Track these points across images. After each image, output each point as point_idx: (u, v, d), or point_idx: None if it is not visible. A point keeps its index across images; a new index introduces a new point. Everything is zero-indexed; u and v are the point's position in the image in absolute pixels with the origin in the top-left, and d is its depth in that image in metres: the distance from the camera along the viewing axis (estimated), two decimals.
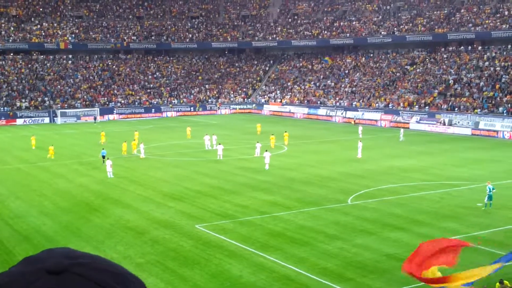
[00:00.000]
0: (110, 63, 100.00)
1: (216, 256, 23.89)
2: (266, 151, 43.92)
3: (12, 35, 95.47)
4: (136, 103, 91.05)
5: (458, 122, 66.80)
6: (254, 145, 49.74)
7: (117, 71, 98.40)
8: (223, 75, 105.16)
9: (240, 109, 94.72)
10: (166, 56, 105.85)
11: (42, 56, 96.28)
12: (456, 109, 69.96)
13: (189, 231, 27.35)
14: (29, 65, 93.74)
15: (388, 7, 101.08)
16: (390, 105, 78.33)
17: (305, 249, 24.61)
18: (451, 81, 76.89)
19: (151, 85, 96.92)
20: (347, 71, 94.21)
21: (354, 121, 76.83)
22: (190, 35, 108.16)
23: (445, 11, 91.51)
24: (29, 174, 42.75)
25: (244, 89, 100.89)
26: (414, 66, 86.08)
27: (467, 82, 75.15)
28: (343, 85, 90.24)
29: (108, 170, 40.15)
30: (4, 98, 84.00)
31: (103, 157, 44.99)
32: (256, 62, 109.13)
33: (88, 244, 25.55)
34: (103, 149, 47.33)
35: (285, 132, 58.04)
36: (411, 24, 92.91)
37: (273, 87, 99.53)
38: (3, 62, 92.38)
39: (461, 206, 31.57)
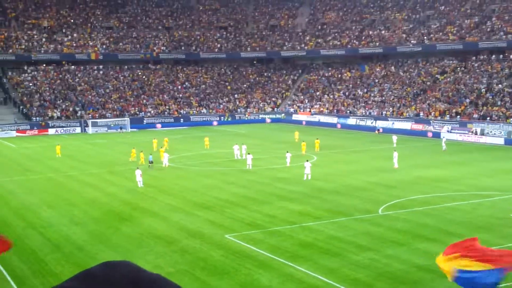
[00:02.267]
0: (140, 73, 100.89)
1: (246, 266, 23.77)
2: (307, 161, 43.66)
3: (44, 46, 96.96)
4: (166, 112, 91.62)
5: (491, 132, 65.79)
6: (283, 155, 49.57)
7: (147, 81, 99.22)
8: (252, 84, 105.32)
9: (269, 118, 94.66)
10: (195, 66, 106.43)
11: (73, 67, 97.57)
12: (488, 118, 68.95)
13: (219, 241, 27.28)
14: (61, 76, 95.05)
15: (417, 16, 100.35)
16: (420, 114, 77.56)
17: (335, 260, 24.36)
18: (482, 90, 75.88)
19: (180, 95, 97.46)
20: (376, 80, 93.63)
21: (378, 130, 76.48)
22: (219, 45, 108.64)
23: (476, 20, 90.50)
24: (60, 183, 43.18)
25: (273, 99, 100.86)
26: (445, 75, 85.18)
27: (499, 91, 74.08)
28: (372, 95, 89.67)
29: (138, 179, 40.39)
30: (36, 108, 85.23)
31: (150, 162, 47.86)
32: (284, 72, 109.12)
33: (118, 253, 25.63)
34: (150, 154, 49.62)
35: (317, 139, 58.85)
36: (441, 33, 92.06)
37: (302, 97, 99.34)
38: (35, 73, 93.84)
39: (493, 216, 30.99)
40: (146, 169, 45.33)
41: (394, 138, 62.83)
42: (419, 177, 42.59)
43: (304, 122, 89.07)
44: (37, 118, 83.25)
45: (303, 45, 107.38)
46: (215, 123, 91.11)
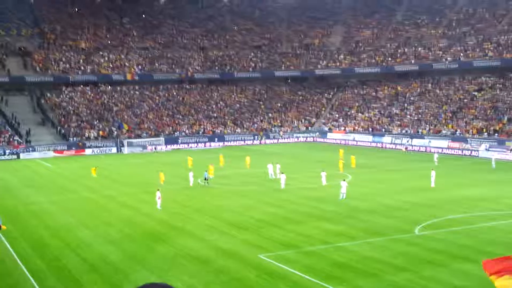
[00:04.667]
0: (175, 93, 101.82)
1: (280, 286, 23.54)
2: (344, 180, 43.35)
3: (82, 67, 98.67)
4: (200, 132, 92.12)
5: None
6: (318, 174, 49.26)
7: (182, 101, 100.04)
8: (286, 103, 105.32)
9: (303, 137, 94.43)
10: (230, 85, 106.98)
11: (109, 87, 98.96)
12: None
13: (253, 261, 27.11)
14: (97, 96, 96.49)
15: (453, 33, 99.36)
16: (457, 132, 76.47)
17: (371, 281, 23.96)
18: None
19: (215, 114, 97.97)
20: (412, 98, 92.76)
21: (406, 148, 75.90)
22: (253, 64, 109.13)
23: None
24: (96, 203, 43.59)
25: (307, 117, 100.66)
26: (482, 92, 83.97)
27: None
28: (408, 112, 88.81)
29: (158, 201, 40.04)
30: (73, 129, 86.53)
31: (205, 179, 49.82)
32: (319, 90, 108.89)
33: (153, 273, 25.65)
34: (206, 171, 50.76)
35: (352, 155, 59.82)
36: (478, 49, 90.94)
37: (336, 115, 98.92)
38: (73, 94, 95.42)
39: None
40: (164, 191, 44.60)
41: (435, 156, 62.12)
42: (457, 196, 41.84)
43: (340, 141, 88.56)
44: (74, 138, 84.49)
45: (337, 63, 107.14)
46: (249, 142, 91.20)
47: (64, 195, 47.59)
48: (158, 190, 41.08)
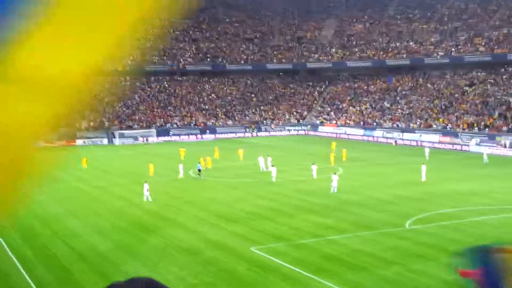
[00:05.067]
0: (166, 85, 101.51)
1: (270, 279, 23.53)
2: (335, 173, 43.34)
3: None
4: (192, 124, 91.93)
5: None
6: (309, 167, 49.28)
7: (174, 93, 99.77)
8: (278, 96, 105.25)
9: (295, 130, 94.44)
10: (221, 77, 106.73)
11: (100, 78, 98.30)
12: None
13: (243, 253, 27.09)
14: None
15: (445, 27, 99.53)
16: (448, 126, 76.70)
17: (361, 274, 24.00)
18: None
19: (207, 107, 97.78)
20: (404, 92, 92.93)
21: (395, 142, 76.22)
22: (245, 57, 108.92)
23: (505, 31, 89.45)
24: (86, 193, 43.47)
25: (299, 111, 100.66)
26: (473, 87, 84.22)
27: None
28: (399, 107, 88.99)
29: (145, 194, 39.64)
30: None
31: (199, 170, 49.69)
32: (310, 84, 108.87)
33: (143, 264, 25.59)
34: (198, 163, 50.85)
35: (344, 149, 60.84)
36: (469, 45, 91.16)
37: (328, 109, 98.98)
38: None
39: None
40: (154, 182, 44.51)
41: (427, 150, 62.31)
42: (447, 191, 41.97)
43: (331, 134, 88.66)
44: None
45: (329, 57, 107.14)
46: (241, 134, 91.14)
47: (53, 185, 47.30)
48: (145, 182, 40.68)
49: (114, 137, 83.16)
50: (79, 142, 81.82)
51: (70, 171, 55.24)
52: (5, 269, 25.66)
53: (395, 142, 76.78)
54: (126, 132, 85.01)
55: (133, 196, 41.63)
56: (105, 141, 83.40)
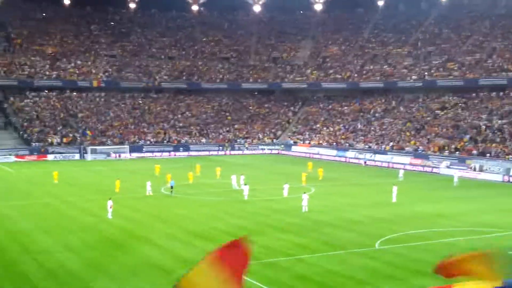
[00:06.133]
0: (141, 102, 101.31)
1: None
2: (305, 193, 43.55)
3: (47, 72, 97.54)
4: (165, 141, 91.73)
5: (489, 168, 65.80)
6: (281, 186, 49.50)
7: (148, 110, 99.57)
8: (253, 115, 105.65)
9: (268, 149, 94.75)
10: (197, 95, 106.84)
11: (75, 93, 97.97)
12: (488, 155, 69.01)
13: None
14: (62, 102, 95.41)
15: (418, 52, 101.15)
16: (420, 149, 77.68)
17: None
18: (482, 127, 76.11)
19: (181, 124, 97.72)
20: (377, 114, 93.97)
21: (365, 162, 77.24)
22: (221, 76, 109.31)
23: (477, 57, 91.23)
24: (57, 209, 43.04)
25: (273, 130, 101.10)
26: (445, 111, 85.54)
27: (499, 128, 74.31)
28: (372, 128, 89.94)
29: (108, 210, 39.10)
30: (36, 134, 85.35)
31: (171, 187, 49.58)
32: (285, 104, 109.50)
33: (113, 282, 25.43)
34: (172, 180, 50.75)
35: (320, 168, 62.18)
36: (442, 69, 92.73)
37: (302, 129, 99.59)
38: (37, 99, 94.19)
39: None
40: (118, 199, 44.25)
41: (401, 172, 63.07)
42: (417, 212, 42.48)
43: (302, 154, 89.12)
44: (37, 143, 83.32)
45: (304, 78, 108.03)
46: (214, 152, 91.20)
47: (24, 200, 46.89)
48: (110, 198, 40.14)
49: (86, 152, 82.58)
50: (50, 157, 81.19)
51: (41, 186, 54.84)
52: None
53: (364, 162, 77.76)
54: (98, 148, 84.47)
55: (104, 212, 41.28)
56: (77, 156, 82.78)
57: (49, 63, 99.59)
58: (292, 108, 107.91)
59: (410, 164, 73.75)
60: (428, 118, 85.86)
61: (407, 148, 79.37)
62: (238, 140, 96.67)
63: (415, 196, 50.40)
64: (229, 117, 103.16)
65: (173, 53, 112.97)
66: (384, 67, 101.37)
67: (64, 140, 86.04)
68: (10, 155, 78.99)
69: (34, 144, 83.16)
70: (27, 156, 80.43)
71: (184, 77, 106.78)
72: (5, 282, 25.41)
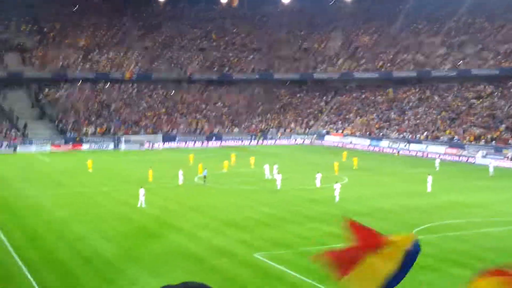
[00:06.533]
0: (173, 93, 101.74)
1: (275, 286, 23.52)
2: (337, 182, 43.29)
3: (80, 64, 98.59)
4: (198, 131, 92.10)
5: None
6: (314, 176, 49.23)
7: (180, 101, 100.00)
8: (285, 105, 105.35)
9: (301, 139, 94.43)
10: (228, 86, 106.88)
11: (108, 85, 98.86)
12: None
13: (248, 260, 27.08)
14: (95, 93, 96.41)
15: (453, 40, 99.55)
16: (455, 138, 76.60)
17: None
18: None
19: (213, 114, 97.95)
20: (410, 104, 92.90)
21: (398, 152, 76.36)
22: (252, 66, 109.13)
23: None
24: (91, 198, 43.54)
25: (305, 120, 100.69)
26: (481, 100, 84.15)
27: None
28: (406, 118, 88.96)
29: (140, 199, 39.37)
30: (71, 124, 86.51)
31: (204, 176, 49.60)
32: (317, 94, 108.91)
33: (146, 269, 25.61)
34: (205, 169, 50.45)
35: (354, 157, 62.39)
36: (476, 58, 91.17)
37: (334, 118, 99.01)
38: (71, 90, 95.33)
39: None
40: (151, 189, 44.58)
41: (437, 161, 62.30)
42: (452, 202, 41.91)
43: (335, 144, 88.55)
44: (72, 133, 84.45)
45: (336, 68, 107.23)
46: (246, 142, 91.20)
47: (59, 189, 47.54)
48: (141, 187, 40.30)
49: (120, 142, 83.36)
50: (85, 146, 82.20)
51: (76, 176, 55.54)
52: (10, 272, 25.71)
53: (398, 152, 76.87)
54: (132, 138, 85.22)
55: (137, 201, 41.66)
56: (111, 146, 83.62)
57: (82, 55, 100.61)
58: (324, 98, 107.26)
59: (445, 153, 72.73)
60: (463, 108, 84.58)
61: (442, 138, 78.33)
62: (270, 130, 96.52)
63: (450, 186, 49.71)
64: (261, 107, 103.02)
65: (204, 44, 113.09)
66: (417, 56, 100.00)
67: (98, 130, 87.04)
68: (46, 144, 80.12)
69: (69, 134, 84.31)
70: (63, 145, 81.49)
71: (215, 68, 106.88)
72: (43, 269, 25.80)
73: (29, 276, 24.74)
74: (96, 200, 42.79)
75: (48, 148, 79.66)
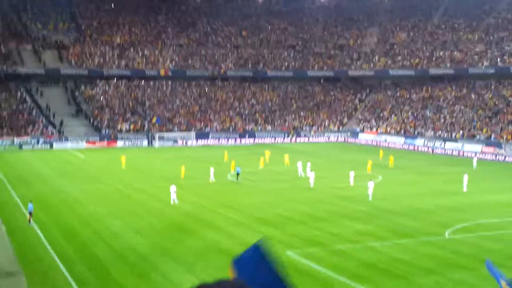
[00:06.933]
0: (207, 90, 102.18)
1: (307, 283, 23.43)
2: (371, 180, 43.00)
3: (116, 62, 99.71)
4: (231, 128, 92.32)
5: None
6: (347, 173, 48.92)
7: (214, 98, 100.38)
8: (318, 103, 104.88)
9: (334, 137, 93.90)
10: (262, 83, 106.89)
11: (143, 82, 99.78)
12: None
13: (280, 257, 26.96)
14: (130, 90, 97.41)
15: (491, 37, 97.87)
16: (492, 137, 75.32)
17: (398, 282, 23.73)
18: None
19: (246, 111, 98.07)
20: (446, 102, 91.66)
21: (432, 150, 75.39)
22: (286, 64, 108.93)
23: None
24: (125, 194, 44.02)
25: (339, 117, 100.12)
26: None
27: None
28: (442, 116, 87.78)
29: (172, 196, 39.47)
30: (106, 121, 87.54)
31: (237, 174, 49.92)
32: (352, 91, 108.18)
33: (180, 265, 25.79)
34: (237, 166, 50.92)
35: (391, 155, 62.02)
36: None
37: (369, 116, 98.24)
38: (107, 87, 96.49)
39: None
40: (183, 185, 44.89)
41: (474, 160, 61.46)
42: (489, 202, 41.23)
43: (369, 142, 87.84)
44: (107, 130, 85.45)
45: (371, 65, 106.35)
46: (279, 140, 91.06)
47: (94, 185, 48.14)
48: (173, 184, 40.57)
49: (154, 139, 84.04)
50: (119, 143, 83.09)
51: (110, 172, 56.19)
52: (46, 266, 26.15)
53: (432, 150, 75.91)
54: (166, 134, 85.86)
55: (169, 198, 41.96)
56: (145, 143, 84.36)
57: (117, 52, 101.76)
58: (358, 95, 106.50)
59: (482, 152, 71.56)
60: (501, 106, 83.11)
61: (478, 137, 77.08)
62: (304, 127, 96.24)
63: (487, 185, 48.93)
64: (294, 105, 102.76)
65: (239, 41, 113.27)
66: (455, 53, 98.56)
67: (132, 127, 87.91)
68: (81, 140, 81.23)
69: (104, 130, 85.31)
70: (98, 142, 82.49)
71: (249, 65, 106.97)
72: (78, 264, 26.18)
73: (64, 270, 25.14)
74: (130, 196, 43.26)
75: (83, 144, 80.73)
